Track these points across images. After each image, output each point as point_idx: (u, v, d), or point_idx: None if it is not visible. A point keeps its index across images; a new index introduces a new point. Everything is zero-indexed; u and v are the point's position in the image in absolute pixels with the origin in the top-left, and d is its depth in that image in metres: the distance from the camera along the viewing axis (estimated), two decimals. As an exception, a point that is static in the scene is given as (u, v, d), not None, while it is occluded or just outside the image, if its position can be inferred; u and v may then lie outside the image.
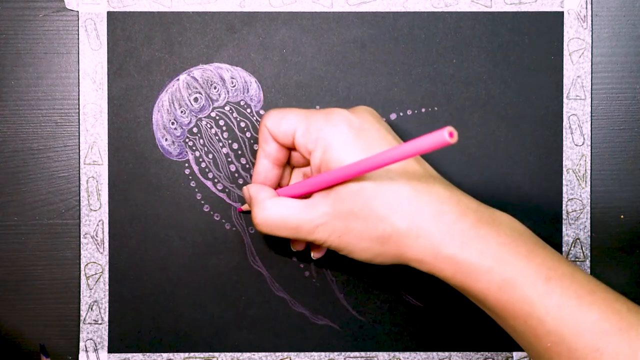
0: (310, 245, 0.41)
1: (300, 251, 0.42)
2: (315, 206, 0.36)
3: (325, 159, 0.35)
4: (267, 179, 0.39)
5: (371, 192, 0.34)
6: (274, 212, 0.36)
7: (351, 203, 0.35)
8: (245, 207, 0.43)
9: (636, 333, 0.32)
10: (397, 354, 0.44)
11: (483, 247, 0.33)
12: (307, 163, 0.39)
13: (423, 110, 0.44)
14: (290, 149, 0.39)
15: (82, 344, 0.44)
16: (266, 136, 0.38)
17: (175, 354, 0.44)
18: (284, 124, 0.37)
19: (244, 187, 0.39)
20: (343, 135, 0.35)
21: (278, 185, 0.40)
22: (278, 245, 0.44)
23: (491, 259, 0.33)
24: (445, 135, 0.29)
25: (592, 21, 0.44)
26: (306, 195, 0.37)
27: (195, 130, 0.44)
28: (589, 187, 0.44)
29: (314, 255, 0.41)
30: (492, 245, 0.34)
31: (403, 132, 0.44)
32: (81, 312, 0.44)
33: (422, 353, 0.44)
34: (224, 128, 0.44)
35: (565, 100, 0.44)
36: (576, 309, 0.32)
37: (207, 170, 0.44)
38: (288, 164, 0.40)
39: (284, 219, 0.36)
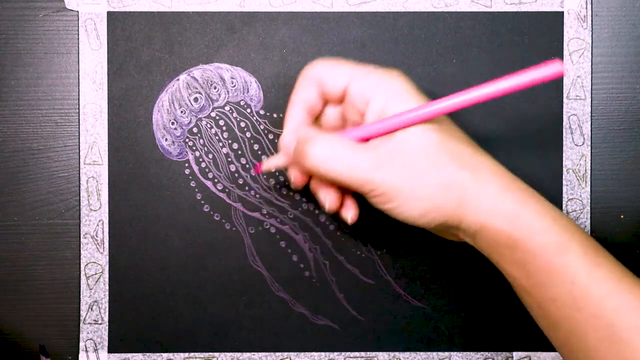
0: (343, 208, 0.39)
1: (330, 213, 0.40)
2: (376, 147, 0.35)
3: (388, 106, 0.35)
4: (298, 127, 0.38)
5: (436, 139, 0.34)
6: (330, 148, 0.35)
7: (416, 147, 0.34)
8: (266, 165, 0.40)
9: None
10: (397, 354, 0.44)
11: (541, 207, 0.34)
12: (336, 125, 0.39)
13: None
14: (328, 101, 0.38)
15: (82, 344, 0.44)
16: (311, 82, 0.37)
17: (175, 354, 0.44)
18: (338, 70, 0.36)
19: (283, 134, 0.38)
20: (407, 85, 0.35)
21: None
22: (278, 246, 0.44)
23: (550, 219, 0.33)
24: (559, 67, 0.31)
25: (592, 21, 0.44)
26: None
27: (195, 130, 0.44)
28: (589, 187, 0.44)
29: (351, 216, 0.38)
30: (549, 208, 0.34)
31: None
32: (81, 312, 0.44)
33: (422, 353, 0.44)
34: (224, 128, 0.44)
35: (565, 100, 0.44)
36: (621, 284, 0.32)
37: (207, 170, 0.44)
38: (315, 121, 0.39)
39: (339, 156, 0.35)
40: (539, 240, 0.33)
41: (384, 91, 0.35)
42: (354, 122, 0.37)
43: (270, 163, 0.39)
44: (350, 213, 0.38)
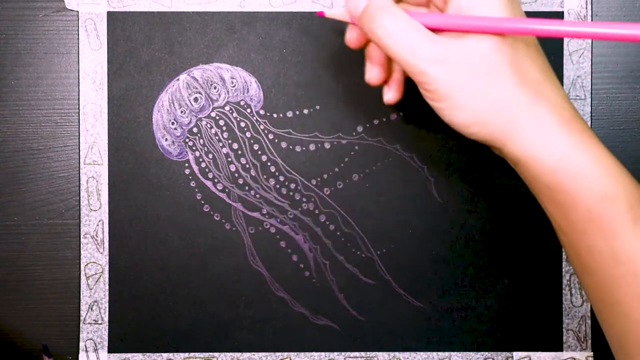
0: (388, 84, 0.37)
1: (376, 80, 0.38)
2: (445, 42, 0.33)
3: (472, 3, 0.32)
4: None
5: (508, 56, 0.32)
6: (403, 23, 0.33)
7: (486, 57, 0.32)
8: (329, 13, 0.38)
9: None
10: (397, 354, 0.44)
11: (592, 155, 0.32)
12: (421, 2, 0.37)
13: (423, 110, 0.44)
14: None
15: (82, 344, 0.44)
16: None
17: (175, 354, 0.44)
18: None
19: None
20: None
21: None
22: (278, 246, 0.44)
23: (602, 167, 0.32)
24: None
25: (592, 21, 0.44)
26: None
27: (195, 130, 0.44)
28: (589, 187, 0.44)
29: (390, 97, 0.37)
30: (600, 156, 0.32)
31: (404, 132, 0.44)
32: (81, 312, 0.44)
33: (422, 353, 0.44)
34: (224, 128, 0.44)
35: (565, 100, 0.44)
36: None
37: (207, 170, 0.44)
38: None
39: (410, 34, 0.33)
40: (584, 187, 0.32)
41: None
42: (437, 6, 0.36)
43: (333, 13, 0.37)
44: (389, 94, 0.37)
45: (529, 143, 0.33)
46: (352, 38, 0.37)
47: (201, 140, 0.44)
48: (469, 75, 0.32)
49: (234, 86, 0.44)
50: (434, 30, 0.33)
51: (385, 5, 0.34)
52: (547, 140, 0.32)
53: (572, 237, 0.33)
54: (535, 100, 0.33)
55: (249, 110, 0.44)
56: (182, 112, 0.44)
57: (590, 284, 0.34)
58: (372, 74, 0.37)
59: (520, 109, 0.32)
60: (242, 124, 0.44)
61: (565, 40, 0.44)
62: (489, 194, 0.44)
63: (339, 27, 0.44)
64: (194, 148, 0.44)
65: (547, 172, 0.32)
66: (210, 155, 0.44)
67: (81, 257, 0.44)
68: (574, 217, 0.33)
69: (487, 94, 0.32)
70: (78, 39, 0.44)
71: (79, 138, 0.44)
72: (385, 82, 0.38)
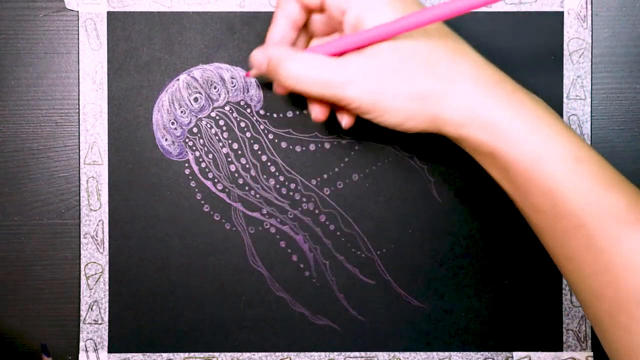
0: (337, 112, 0.39)
1: (322, 122, 0.40)
2: (348, 63, 0.34)
3: (362, 17, 0.34)
4: (283, 41, 0.38)
5: (409, 50, 0.34)
6: (304, 64, 0.35)
7: (387, 60, 0.34)
8: (254, 72, 0.40)
9: None
10: (397, 354, 0.44)
11: (522, 114, 0.33)
12: (325, 31, 0.39)
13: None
14: (311, 12, 0.38)
15: (82, 344, 0.44)
16: None
17: (175, 354, 0.44)
18: None
19: (256, 51, 0.38)
20: None
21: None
22: (278, 246, 0.44)
23: (528, 128, 0.33)
24: None
25: (592, 21, 0.44)
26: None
27: (195, 130, 0.44)
28: (589, 187, 0.44)
29: (346, 123, 0.38)
30: (530, 114, 0.33)
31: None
32: (81, 312, 0.44)
33: (422, 353, 0.44)
34: (224, 128, 0.44)
35: (565, 100, 0.44)
36: (602, 194, 0.32)
37: (207, 170, 0.44)
38: (303, 30, 0.39)
39: (314, 72, 0.35)
40: (517, 148, 0.33)
41: (358, 1, 0.35)
42: (339, 30, 0.37)
43: (254, 73, 0.40)
44: (343, 121, 0.38)
45: (458, 122, 0.34)
46: (278, 90, 0.40)
47: (201, 140, 0.44)
48: (380, 81, 0.34)
49: (234, 86, 0.44)
50: (342, 53, 0.35)
51: (284, 54, 0.36)
52: (473, 115, 0.33)
53: (521, 201, 0.34)
54: (450, 81, 0.33)
55: (249, 110, 0.44)
56: (182, 112, 0.44)
57: (547, 245, 0.35)
58: (315, 112, 0.38)
59: (439, 94, 0.34)
60: (242, 124, 0.44)
61: (565, 40, 0.44)
62: (489, 194, 0.44)
63: (339, 27, 0.44)
64: (194, 148, 0.44)
65: (482, 143, 0.34)
66: (210, 155, 0.44)
67: (81, 257, 0.44)
68: (517, 181, 0.33)
69: (402, 91, 0.34)
70: (78, 39, 0.44)
71: (79, 138, 0.44)
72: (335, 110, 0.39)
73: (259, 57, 0.38)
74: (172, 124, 0.44)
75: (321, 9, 0.37)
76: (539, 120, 0.33)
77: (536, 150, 0.32)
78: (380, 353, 0.44)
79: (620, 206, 0.32)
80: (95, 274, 0.44)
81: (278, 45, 0.38)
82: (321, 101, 0.38)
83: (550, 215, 0.33)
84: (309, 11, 0.38)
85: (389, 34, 0.34)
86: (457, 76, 0.34)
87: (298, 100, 0.44)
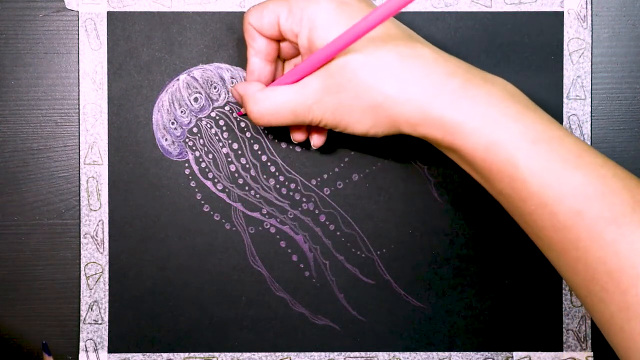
0: (310, 132, 0.41)
1: (302, 142, 0.42)
2: (305, 86, 0.36)
3: (312, 37, 0.36)
4: (261, 76, 0.39)
5: (357, 63, 0.35)
6: (268, 101, 0.37)
7: (339, 77, 0.35)
8: (244, 110, 0.41)
9: (619, 199, 0.32)
10: (397, 354, 0.44)
11: (470, 107, 0.34)
12: (298, 53, 0.40)
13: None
14: (279, 40, 0.39)
15: (82, 344, 0.44)
16: (252, 33, 0.38)
17: (175, 354, 0.44)
18: (266, 14, 0.37)
19: (230, 88, 0.40)
20: (325, 10, 0.35)
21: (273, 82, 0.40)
22: (278, 246, 0.44)
23: (478, 120, 0.33)
24: None
25: (592, 21, 0.44)
26: None
27: (195, 130, 0.44)
28: (589, 187, 0.44)
29: (315, 142, 0.41)
30: (481, 105, 0.34)
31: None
32: (81, 312, 0.44)
33: (422, 353, 0.44)
34: (224, 128, 0.44)
35: (565, 100, 0.44)
36: (560, 172, 0.32)
37: (207, 170, 0.44)
38: (279, 59, 0.40)
39: (279, 106, 0.37)
40: (469, 141, 0.34)
41: (307, 22, 0.36)
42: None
43: (243, 110, 0.42)
44: (313, 139, 0.41)
45: (414, 122, 0.35)
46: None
47: (201, 140, 0.44)
48: (336, 98, 0.35)
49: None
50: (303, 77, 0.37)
51: (249, 95, 0.37)
52: (425, 112, 0.34)
53: (489, 188, 0.35)
54: (401, 90, 0.34)
55: (249, 110, 0.44)
56: (182, 112, 0.44)
57: (522, 227, 0.35)
58: (296, 136, 0.41)
59: (389, 100, 0.35)
60: (242, 124, 0.44)
61: (565, 40, 0.44)
62: (488, 194, 0.44)
63: (339, 27, 0.44)
64: (194, 148, 0.44)
65: (439, 140, 0.35)
66: (210, 155, 0.44)
67: (81, 257, 0.44)
68: (477, 168, 0.34)
69: (356, 105, 0.35)
70: (78, 39, 0.44)
71: (79, 138, 0.44)
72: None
73: (235, 95, 0.40)
74: (172, 124, 0.44)
75: (283, 37, 0.38)
76: (492, 109, 0.34)
77: (489, 139, 0.33)
78: (380, 353, 0.44)
79: (577, 181, 0.32)
80: (95, 274, 0.44)
81: (256, 80, 0.39)
82: (297, 126, 0.40)
83: (515, 198, 0.34)
84: (277, 41, 0.39)
85: (337, 50, 0.34)
86: (406, 80, 0.34)
87: (298, 100, 0.44)
